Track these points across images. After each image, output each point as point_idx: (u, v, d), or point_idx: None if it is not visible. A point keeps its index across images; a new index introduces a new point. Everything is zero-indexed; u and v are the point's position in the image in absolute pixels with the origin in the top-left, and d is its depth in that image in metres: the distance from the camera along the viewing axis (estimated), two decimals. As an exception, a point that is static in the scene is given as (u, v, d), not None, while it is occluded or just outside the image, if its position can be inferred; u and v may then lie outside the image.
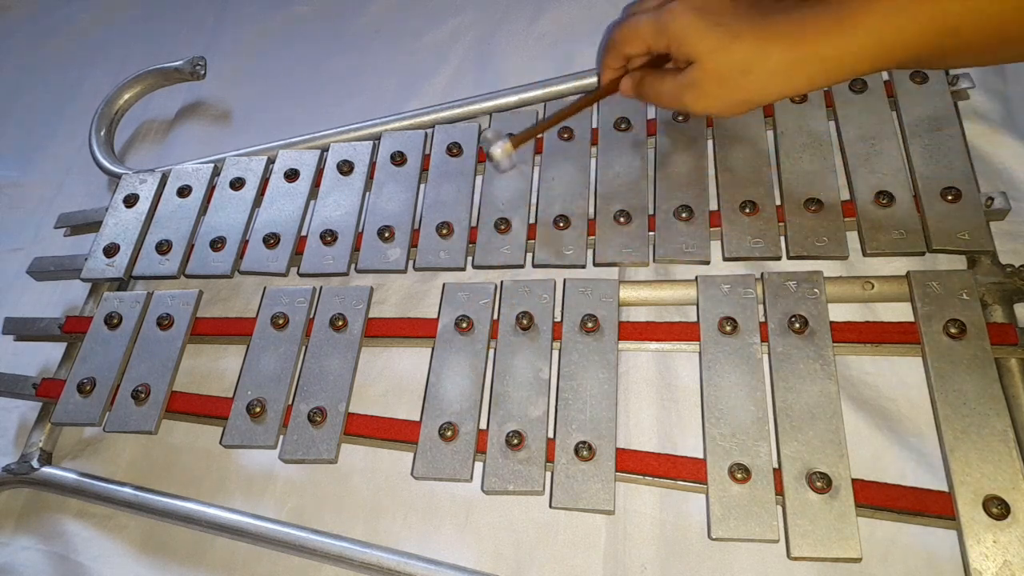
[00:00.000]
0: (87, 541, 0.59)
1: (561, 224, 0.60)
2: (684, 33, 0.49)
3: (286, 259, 0.64)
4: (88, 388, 0.59)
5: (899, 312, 0.55)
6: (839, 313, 0.54)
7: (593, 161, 0.65)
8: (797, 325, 0.52)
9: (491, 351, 0.56)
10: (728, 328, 0.53)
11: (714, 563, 0.50)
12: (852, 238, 0.57)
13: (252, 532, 0.54)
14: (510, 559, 0.53)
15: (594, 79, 0.71)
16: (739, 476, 0.47)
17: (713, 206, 0.60)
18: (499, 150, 0.57)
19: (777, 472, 0.48)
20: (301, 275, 0.63)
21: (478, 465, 0.52)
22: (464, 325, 0.56)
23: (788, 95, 0.50)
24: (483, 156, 0.65)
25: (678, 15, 0.49)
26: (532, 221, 0.62)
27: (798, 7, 0.47)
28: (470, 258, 0.62)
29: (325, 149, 0.71)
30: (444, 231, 0.62)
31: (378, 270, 0.62)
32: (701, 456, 0.50)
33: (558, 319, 0.57)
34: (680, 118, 0.64)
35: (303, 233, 0.66)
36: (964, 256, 0.55)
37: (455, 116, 0.72)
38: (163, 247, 0.66)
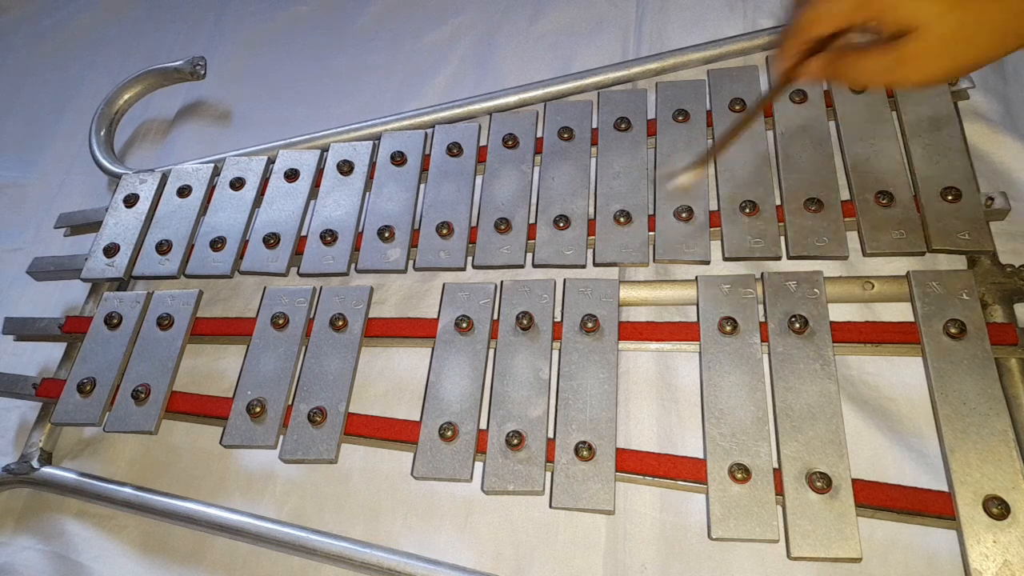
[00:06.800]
0: (87, 541, 0.59)
1: (561, 224, 0.60)
2: (900, 2, 0.43)
3: (286, 259, 0.64)
4: (88, 388, 0.59)
5: (899, 312, 0.55)
6: (839, 313, 0.54)
7: (593, 161, 0.65)
8: (797, 325, 0.52)
9: (491, 351, 0.56)
10: (728, 328, 0.53)
11: (714, 563, 0.50)
12: (852, 238, 0.57)
13: (252, 532, 0.54)
14: (510, 559, 0.53)
15: (592, 79, 0.71)
16: (739, 476, 0.47)
17: (713, 206, 0.60)
18: (686, 180, 0.57)
19: (777, 472, 0.48)
20: (301, 275, 0.63)
21: (478, 465, 0.52)
22: (464, 325, 0.56)
23: (1017, 49, 0.44)
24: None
25: None
26: (532, 221, 0.62)
27: None
28: (470, 258, 0.62)
29: (325, 149, 0.71)
30: (444, 231, 0.62)
31: (378, 270, 0.62)
32: (701, 456, 0.50)
33: (558, 319, 0.56)
34: (680, 118, 0.64)
35: (303, 233, 0.66)
36: (964, 256, 0.55)
37: (455, 116, 0.72)
38: (163, 247, 0.66)
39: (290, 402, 0.56)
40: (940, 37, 0.43)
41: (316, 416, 0.54)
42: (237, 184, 0.70)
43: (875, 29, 0.46)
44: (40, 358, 0.69)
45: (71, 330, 0.65)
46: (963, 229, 0.54)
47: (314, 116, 0.80)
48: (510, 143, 0.66)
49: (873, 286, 0.55)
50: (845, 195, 0.58)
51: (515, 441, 0.51)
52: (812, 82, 0.51)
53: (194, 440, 0.61)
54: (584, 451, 0.50)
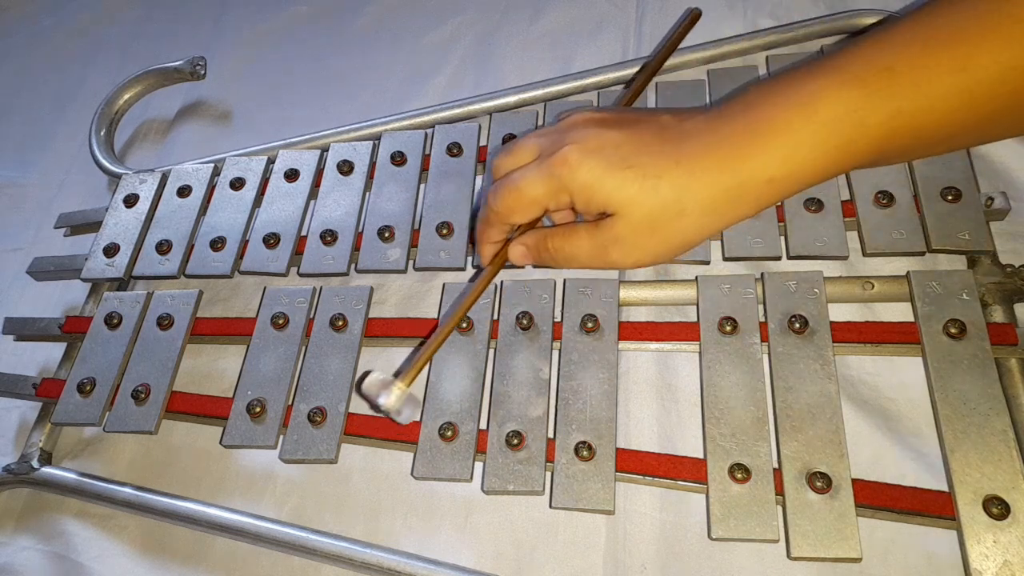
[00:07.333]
0: (87, 541, 0.59)
1: (561, 224, 0.60)
2: (594, 185, 0.41)
3: (286, 259, 0.64)
4: (88, 388, 0.59)
5: (899, 312, 0.55)
6: (839, 313, 0.54)
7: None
8: (797, 325, 0.52)
9: (491, 351, 0.56)
10: (728, 328, 0.53)
11: (714, 563, 0.50)
12: (852, 238, 0.57)
13: (252, 532, 0.54)
14: (510, 559, 0.53)
15: (592, 79, 0.71)
16: (739, 476, 0.47)
17: (713, 206, 0.60)
18: (392, 399, 0.43)
19: (777, 472, 0.48)
20: (301, 275, 0.63)
21: (478, 465, 0.52)
22: (464, 325, 0.56)
23: (738, 222, 0.42)
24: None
25: (578, 164, 0.41)
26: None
27: (715, 119, 0.41)
28: (470, 258, 0.62)
29: (325, 149, 0.71)
30: (444, 231, 0.62)
31: (378, 270, 0.62)
32: (701, 456, 0.50)
33: (558, 319, 0.57)
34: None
35: (303, 233, 0.66)
36: (964, 256, 0.55)
37: (455, 116, 0.72)
38: (163, 247, 0.66)
39: (290, 402, 0.56)
40: (643, 221, 0.41)
41: (316, 416, 0.54)
42: (237, 184, 0.70)
43: (581, 211, 0.44)
44: (40, 358, 0.69)
45: (71, 330, 0.65)
46: (963, 229, 0.54)
47: (314, 116, 0.80)
48: (510, 143, 0.66)
49: (873, 286, 0.55)
50: (845, 195, 0.58)
51: (515, 441, 0.51)
52: (521, 265, 0.48)
53: (194, 440, 0.61)
54: (584, 451, 0.50)
